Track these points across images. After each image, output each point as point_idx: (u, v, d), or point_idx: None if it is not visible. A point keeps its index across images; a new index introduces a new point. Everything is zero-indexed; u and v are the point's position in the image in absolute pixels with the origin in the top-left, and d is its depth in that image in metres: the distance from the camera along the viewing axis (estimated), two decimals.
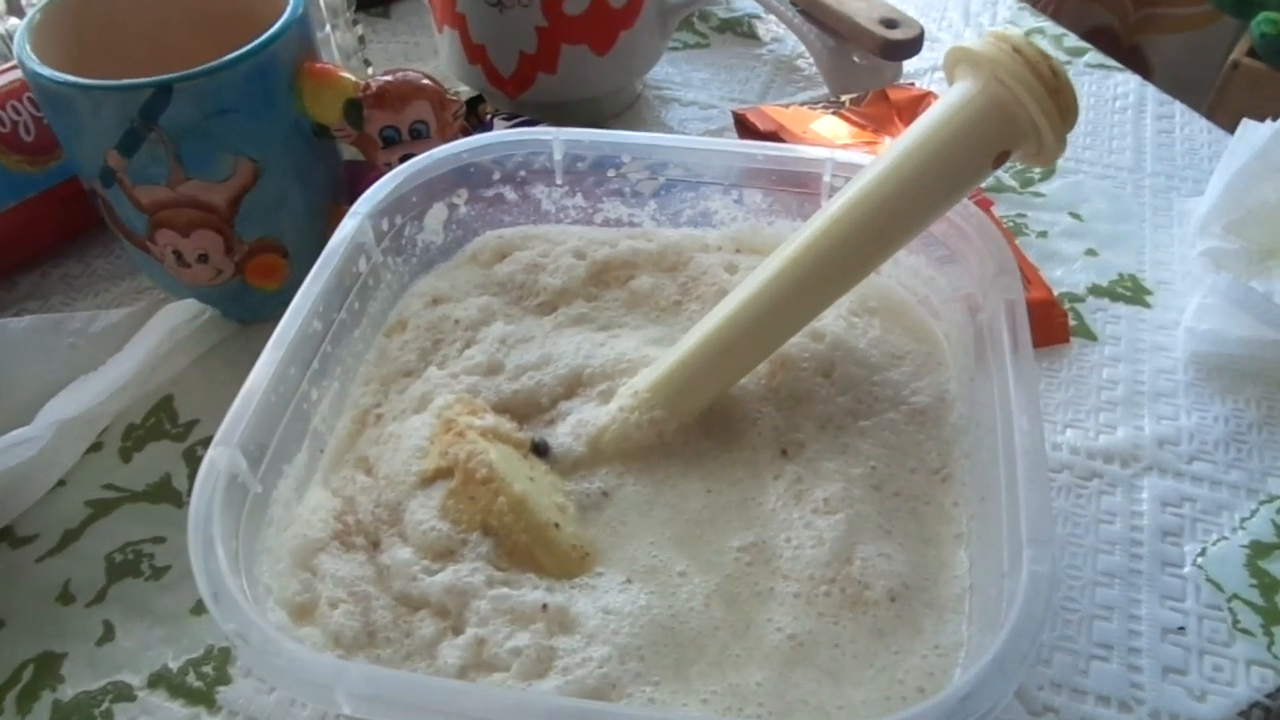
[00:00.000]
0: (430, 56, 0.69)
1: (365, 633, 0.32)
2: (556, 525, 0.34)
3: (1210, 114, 0.65)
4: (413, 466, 0.35)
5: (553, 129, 0.42)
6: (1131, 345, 0.50)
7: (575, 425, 0.37)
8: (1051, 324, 0.50)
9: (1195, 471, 0.45)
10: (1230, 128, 0.61)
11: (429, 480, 0.35)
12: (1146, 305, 0.52)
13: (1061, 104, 0.34)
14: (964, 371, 0.38)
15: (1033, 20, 0.73)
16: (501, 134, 0.42)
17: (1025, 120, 0.34)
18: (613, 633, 0.31)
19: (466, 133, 0.61)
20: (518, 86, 0.61)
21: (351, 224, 0.39)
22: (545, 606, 0.32)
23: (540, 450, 0.37)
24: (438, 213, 0.42)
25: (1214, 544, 0.43)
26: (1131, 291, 0.53)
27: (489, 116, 0.61)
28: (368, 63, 0.60)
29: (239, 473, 0.31)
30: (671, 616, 0.32)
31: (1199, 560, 0.42)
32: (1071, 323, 0.51)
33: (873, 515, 0.35)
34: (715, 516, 0.35)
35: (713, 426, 0.38)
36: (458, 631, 0.32)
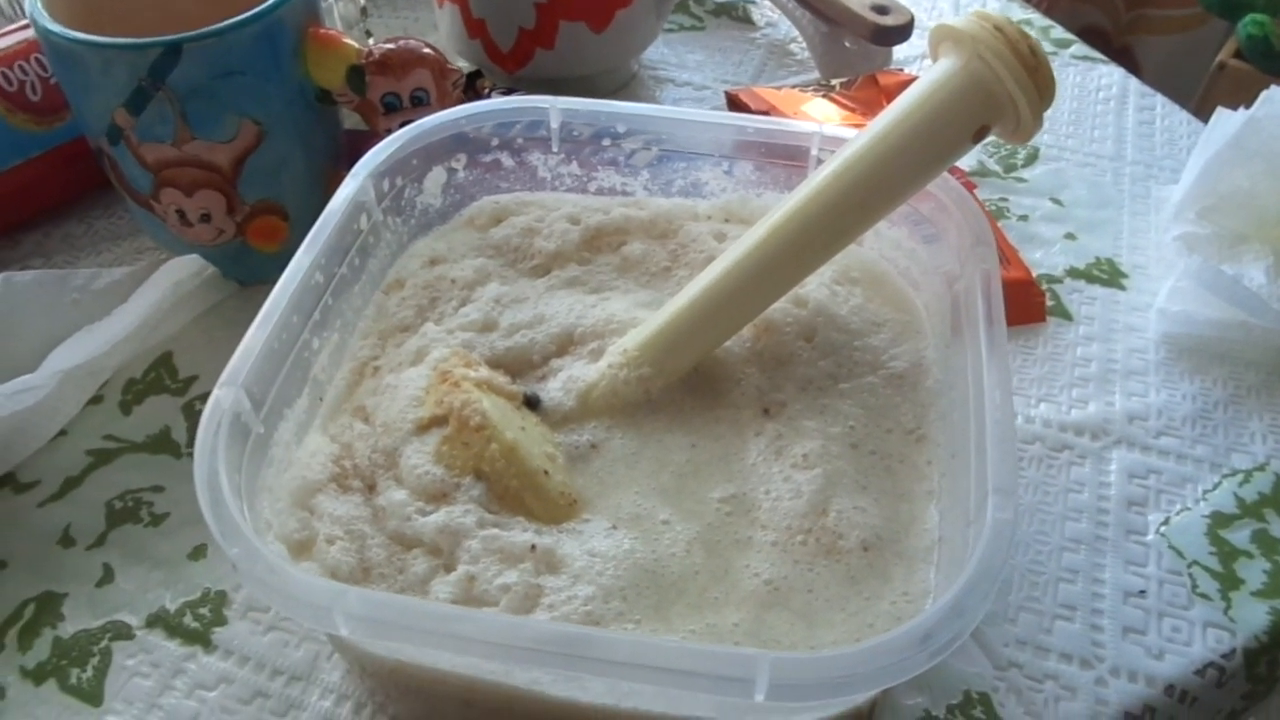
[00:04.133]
0: (430, 32, 0.70)
1: (360, 568, 0.33)
2: (546, 473, 0.35)
3: (1197, 113, 0.66)
4: (409, 414, 0.36)
5: (550, 98, 0.44)
6: (1106, 325, 0.52)
7: (566, 381, 0.39)
8: (1029, 303, 0.52)
9: (1162, 446, 0.47)
10: None
11: (425, 427, 0.36)
12: (1122, 288, 0.54)
13: (1039, 82, 0.36)
14: (940, 339, 0.40)
15: (1021, 13, 0.75)
16: (500, 101, 0.43)
17: (1004, 96, 0.36)
18: (597, 573, 0.33)
19: (465, 103, 0.63)
20: (516, 62, 0.62)
21: (354, 183, 0.40)
22: (534, 547, 0.33)
23: (532, 403, 0.38)
24: (436, 176, 0.44)
25: (1177, 514, 0.44)
26: (1108, 274, 0.55)
27: (487, 91, 0.62)
28: (369, 34, 0.61)
29: (242, 412, 0.33)
30: (654, 560, 0.34)
31: (1162, 529, 0.44)
32: (1049, 303, 0.53)
33: (849, 471, 0.36)
34: (698, 469, 0.37)
35: (698, 385, 0.39)
36: (449, 569, 0.33)
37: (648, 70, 0.69)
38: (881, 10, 0.63)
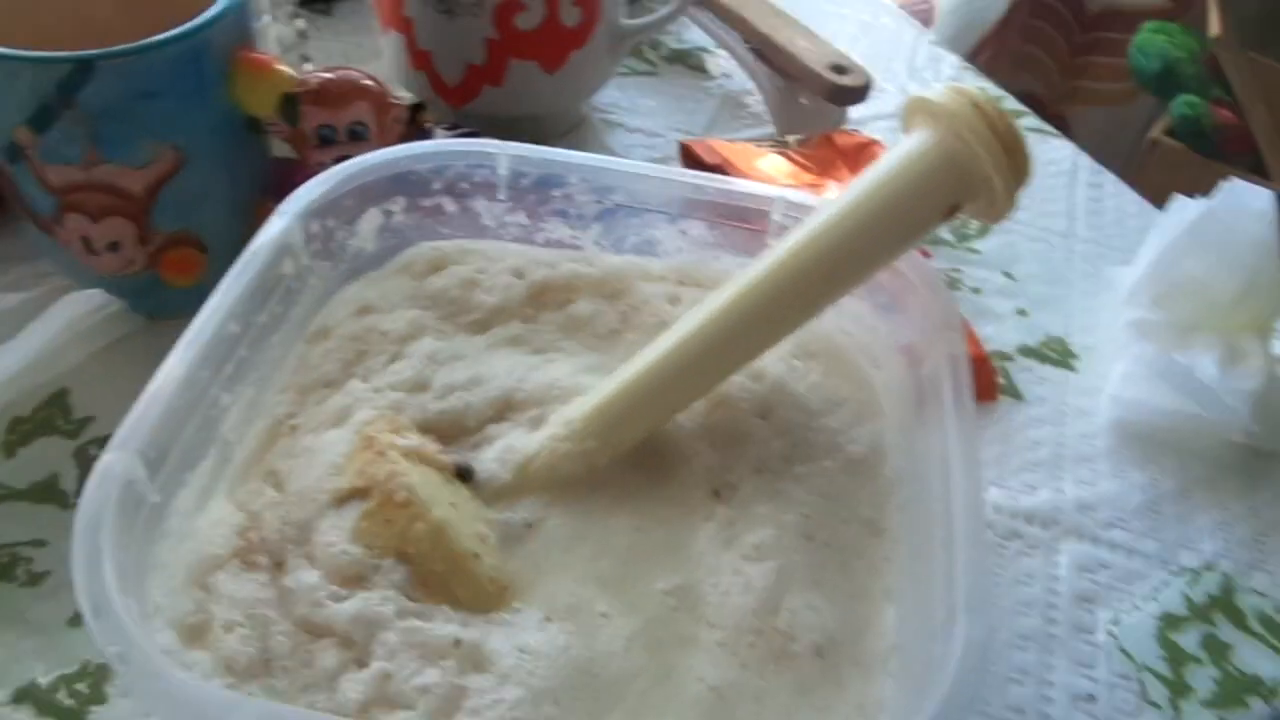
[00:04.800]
0: (372, 59, 0.66)
1: (260, 660, 0.29)
2: (476, 555, 0.32)
3: (1133, 177, 0.67)
4: (326, 484, 0.33)
5: (499, 142, 0.41)
6: (1056, 408, 0.51)
7: (502, 451, 0.36)
8: (982, 381, 0.51)
9: (1112, 538, 0.46)
10: (1149, 202, 0.63)
11: (343, 499, 0.33)
12: (1073, 369, 0.53)
13: (1016, 163, 0.34)
14: (901, 423, 0.38)
15: (974, 79, 0.75)
16: (445, 143, 0.41)
17: (979, 175, 0.34)
18: (528, 673, 0.30)
19: (407, 139, 0.60)
20: (462, 98, 0.59)
21: (280, 224, 0.37)
22: (458, 642, 0.30)
23: (464, 475, 0.35)
24: (372, 219, 0.41)
25: (1127, 613, 0.43)
26: (1059, 354, 0.54)
27: (429, 126, 0.59)
28: (306, 59, 0.57)
29: (136, 480, 0.29)
30: (590, 659, 0.31)
31: (1111, 628, 0.42)
32: (1000, 381, 0.52)
33: (803, 565, 0.34)
34: (642, 556, 0.34)
35: (645, 461, 0.36)
36: (362, 664, 0.30)
37: (599, 114, 0.67)
38: (840, 70, 0.62)
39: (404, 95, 0.64)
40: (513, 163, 0.41)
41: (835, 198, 0.36)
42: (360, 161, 0.39)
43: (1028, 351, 0.54)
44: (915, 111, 0.36)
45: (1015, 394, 0.51)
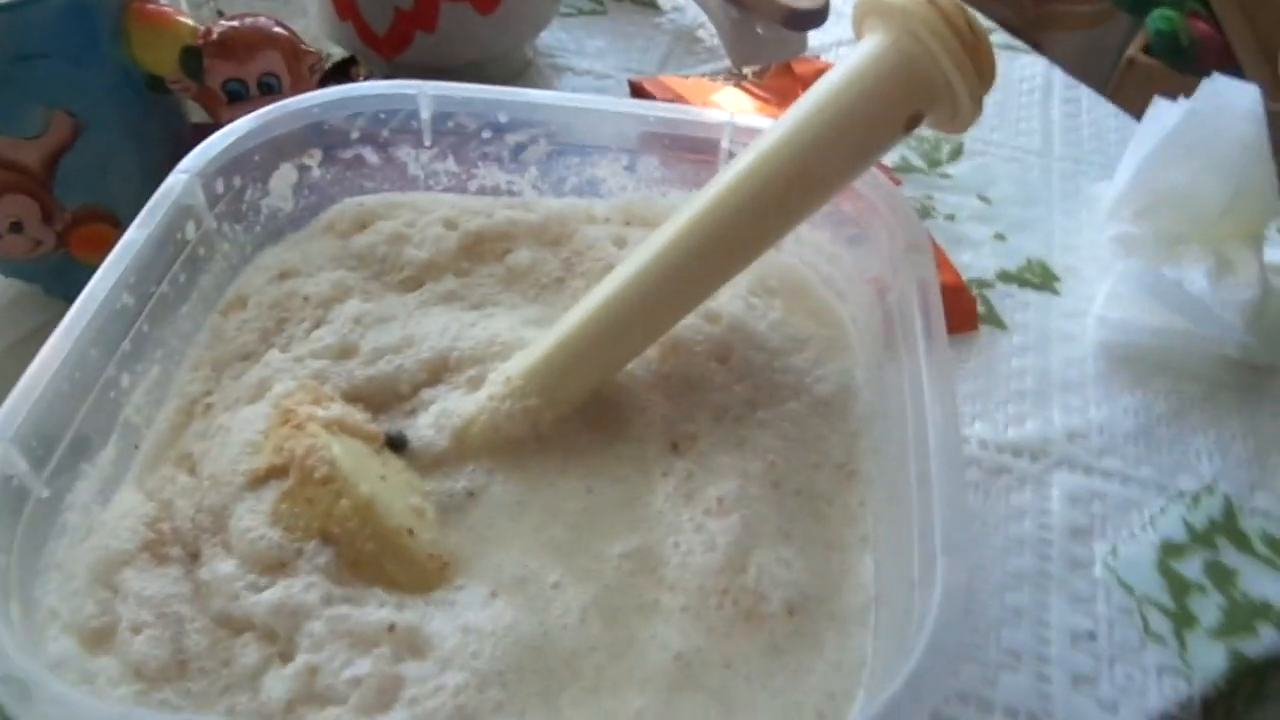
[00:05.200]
0: (299, 16, 0.63)
1: (175, 662, 0.27)
2: (410, 531, 0.29)
3: (1113, 95, 0.63)
4: (242, 464, 0.30)
5: (418, 82, 0.37)
6: (1041, 334, 0.48)
7: (438, 416, 0.33)
8: (961, 310, 0.48)
9: (1105, 466, 0.43)
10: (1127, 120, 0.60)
11: (260, 480, 0.30)
12: (1055, 292, 0.50)
13: (979, 62, 0.31)
14: (871, 358, 0.35)
15: None
16: (359, 86, 0.37)
17: (939, 79, 0.31)
18: (471, 655, 0.27)
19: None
20: (393, 47, 0.56)
21: (178, 182, 0.33)
22: (392, 627, 0.27)
23: (396, 444, 0.32)
24: (285, 175, 0.37)
25: (1124, 543, 0.40)
26: (1040, 278, 0.51)
27: (361, 79, 0.56)
28: (221, 13, 0.54)
29: (16, 474, 0.26)
30: (541, 635, 0.28)
31: (1109, 560, 0.40)
32: (980, 310, 0.49)
33: (771, 516, 0.31)
34: (595, 519, 0.31)
35: (595, 417, 0.34)
36: (286, 658, 0.27)
37: (544, 57, 0.63)
38: None
39: (334, 51, 0.60)
40: (436, 104, 0.38)
41: (784, 116, 0.33)
42: (266, 112, 0.36)
43: (1008, 277, 0.51)
44: (865, 14, 0.33)
45: (997, 322, 0.49)
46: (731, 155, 0.37)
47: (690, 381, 0.34)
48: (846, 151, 0.33)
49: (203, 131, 0.46)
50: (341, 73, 0.56)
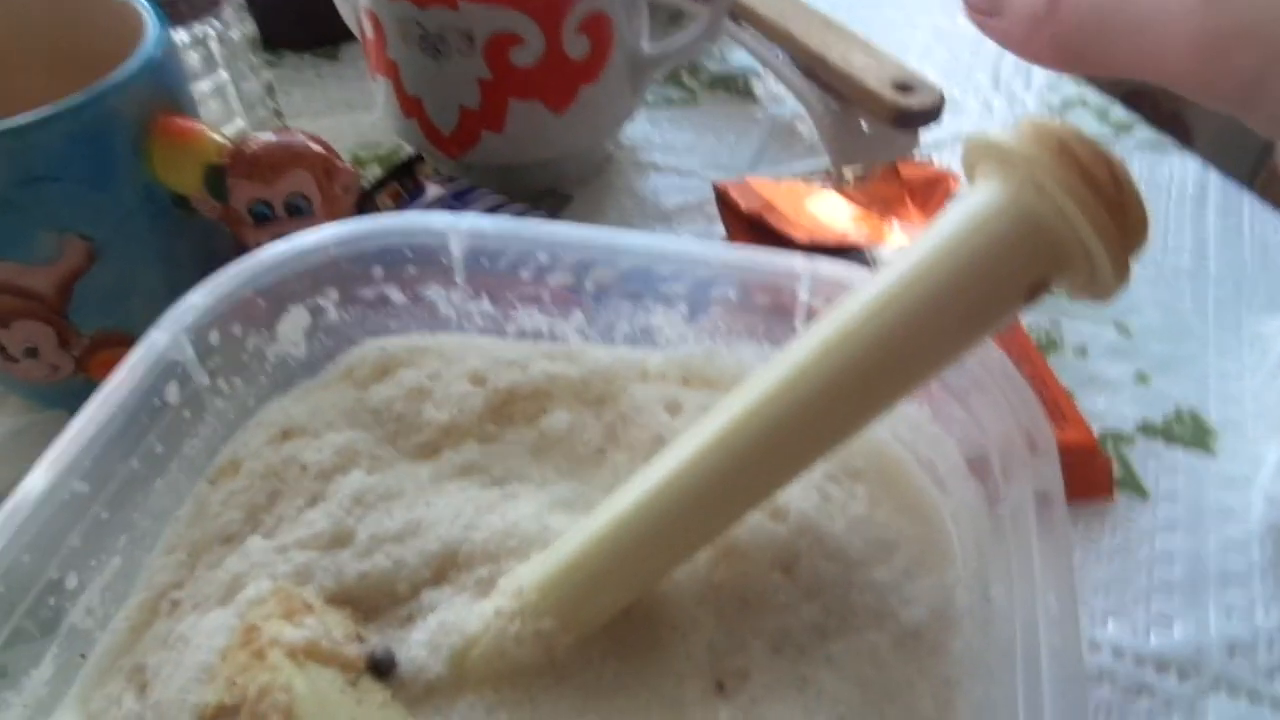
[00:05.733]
0: (367, 110, 0.60)
1: None
2: None
3: (1262, 193, 0.54)
4: (191, 694, 0.25)
5: (449, 215, 0.33)
6: (1193, 507, 0.40)
7: (435, 631, 0.27)
8: (1092, 474, 0.40)
9: (1277, 693, 0.34)
10: None
11: (209, 719, 0.24)
12: (1211, 453, 0.42)
13: (1126, 221, 0.24)
14: (975, 576, 0.28)
15: (1073, 87, 0.63)
16: (379, 219, 0.32)
17: (1073, 242, 0.24)
18: None
19: (399, 201, 0.52)
20: (460, 146, 0.52)
21: (160, 339, 0.29)
22: None
23: (381, 669, 0.26)
24: (296, 318, 0.33)
25: None
26: (1192, 434, 0.43)
27: (425, 179, 0.52)
28: (279, 114, 0.50)
29: None
30: None
31: None
32: (1117, 473, 0.41)
33: None
34: None
35: (624, 640, 0.27)
36: None
37: (626, 153, 0.58)
38: (905, 88, 0.52)
39: (404, 148, 0.57)
40: (469, 240, 0.33)
41: (879, 274, 0.27)
42: (266, 253, 0.31)
43: (1151, 431, 0.43)
44: (979, 158, 0.26)
45: (1137, 489, 0.41)
46: (810, 309, 0.31)
47: (746, 598, 0.28)
48: (952, 325, 0.26)
49: (242, 250, 0.43)
50: (407, 171, 0.53)
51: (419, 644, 0.27)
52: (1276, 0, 0.16)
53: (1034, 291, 0.26)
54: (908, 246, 0.27)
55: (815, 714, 0.26)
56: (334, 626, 0.27)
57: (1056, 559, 0.25)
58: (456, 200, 0.49)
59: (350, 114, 0.60)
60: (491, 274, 0.33)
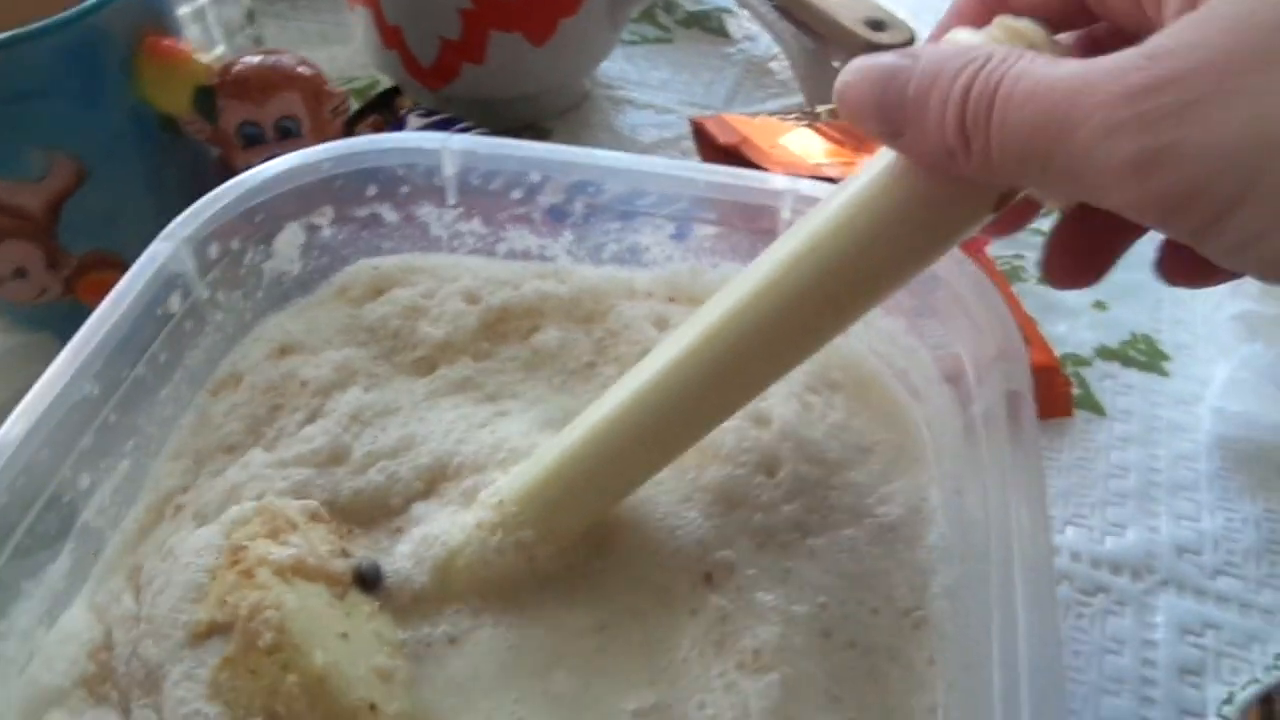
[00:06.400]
0: (346, 42, 0.60)
1: None
2: (372, 707, 0.25)
3: None
4: (183, 613, 0.26)
5: (441, 135, 0.33)
6: (1146, 423, 0.42)
7: (419, 544, 0.28)
8: (1052, 393, 0.42)
9: (1221, 589, 0.37)
10: None
11: (202, 636, 0.25)
12: (1164, 373, 0.44)
13: None
14: (948, 476, 0.30)
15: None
16: (376, 139, 0.33)
17: None
18: None
19: (378, 129, 0.52)
20: (440, 78, 0.52)
21: (163, 250, 0.30)
22: None
23: (368, 581, 0.27)
24: (292, 235, 0.34)
25: (1243, 688, 0.34)
26: (1146, 356, 0.45)
27: (404, 112, 0.52)
28: (259, 41, 0.50)
29: None
30: None
31: (1225, 709, 0.34)
32: (1075, 391, 0.43)
33: (818, 675, 0.26)
34: (608, 663, 0.27)
35: (607, 543, 0.29)
36: None
37: (603, 89, 0.59)
38: (877, 25, 0.53)
39: (381, 80, 0.57)
40: (461, 160, 0.34)
41: (848, 181, 0.28)
42: (267, 169, 0.32)
43: (1108, 354, 0.45)
44: None
45: (1094, 407, 0.43)
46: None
47: (731, 497, 0.29)
48: (922, 231, 0.27)
49: (230, 172, 0.44)
50: (384, 104, 0.53)
51: (404, 555, 0.28)
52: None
53: (1003, 198, 0.28)
54: (877, 156, 0.28)
55: (798, 602, 0.27)
56: (319, 543, 0.27)
57: (1026, 452, 0.26)
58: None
59: (326, 47, 0.60)
60: (483, 193, 0.34)
